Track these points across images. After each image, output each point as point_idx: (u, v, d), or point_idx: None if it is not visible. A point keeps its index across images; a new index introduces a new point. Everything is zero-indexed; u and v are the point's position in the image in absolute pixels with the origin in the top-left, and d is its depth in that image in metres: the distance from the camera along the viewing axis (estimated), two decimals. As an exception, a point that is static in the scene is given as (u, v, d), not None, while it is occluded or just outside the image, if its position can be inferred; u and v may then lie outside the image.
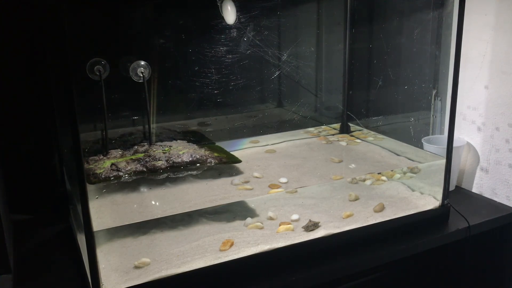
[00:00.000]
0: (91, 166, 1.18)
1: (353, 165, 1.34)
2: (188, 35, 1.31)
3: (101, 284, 0.89)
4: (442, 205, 1.22)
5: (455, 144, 1.21)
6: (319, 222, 1.10)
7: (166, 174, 1.20)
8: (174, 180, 1.20)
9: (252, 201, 1.13)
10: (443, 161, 1.21)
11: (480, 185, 1.42)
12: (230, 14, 1.24)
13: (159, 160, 1.20)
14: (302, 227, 1.09)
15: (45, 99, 1.26)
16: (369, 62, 1.57)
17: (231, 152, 1.33)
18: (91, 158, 1.23)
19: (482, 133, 1.39)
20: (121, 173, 1.15)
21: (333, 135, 1.59)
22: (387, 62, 1.51)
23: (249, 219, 1.09)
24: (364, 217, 1.15)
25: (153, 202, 1.13)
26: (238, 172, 1.27)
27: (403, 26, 1.48)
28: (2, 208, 1.09)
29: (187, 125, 1.43)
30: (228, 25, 1.29)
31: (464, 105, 1.42)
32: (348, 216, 1.15)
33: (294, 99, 1.60)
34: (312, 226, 1.09)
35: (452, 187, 1.40)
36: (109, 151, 1.25)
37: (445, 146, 1.20)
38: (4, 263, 1.00)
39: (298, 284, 1.02)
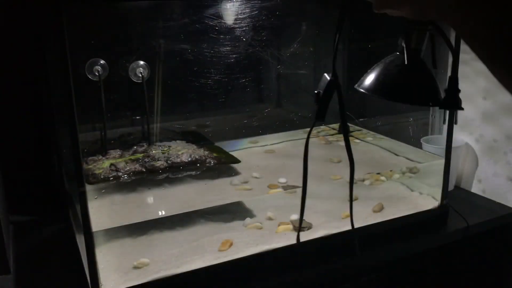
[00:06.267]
0: (90, 166, 1.18)
1: (352, 165, 1.34)
2: (187, 35, 1.30)
3: (100, 285, 0.89)
4: (441, 205, 1.22)
5: (454, 144, 1.21)
6: (311, 223, 1.10)
7: (165, 175, 1.19)
8: (173, 180, 1.20)
9: (251, 201, 1.13)
10: (442, 161, 1.20)
11: (479, 185, 1.42)
12: (229, 14, 1.24)
13: (158, 160, 1.20)
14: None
15: (44, 99, 1.25)
16: (368, 62, 1.56)
17: (230, 153, 1.33)
18: (90, 158, 1.23)
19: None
20: (120, 174, 1.15)
21: (332, 135, 1.59)
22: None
23: (248, 219, 1.09)
24: (363, 217, 1.15)
25: (152, 203, 1.13)
26: (237, 173, 1.27)
27: (401, 26, 1.48)
28: (2, 209, 1.09)
29: (186, 125, 1.43)
30: (227, 25, 1.29)
31: (463, 105, 1.42)
32: (347, 216, 1.15)
33: (293, 99, 1.60)
34: (304, 227, 1.09)
35: (451, 187, 1.40)
36: (108, 151, 1.25)
37: (444, 146, 1.20)
38: (3, 264, 1.00)
39: (297, 285, 1.02)
